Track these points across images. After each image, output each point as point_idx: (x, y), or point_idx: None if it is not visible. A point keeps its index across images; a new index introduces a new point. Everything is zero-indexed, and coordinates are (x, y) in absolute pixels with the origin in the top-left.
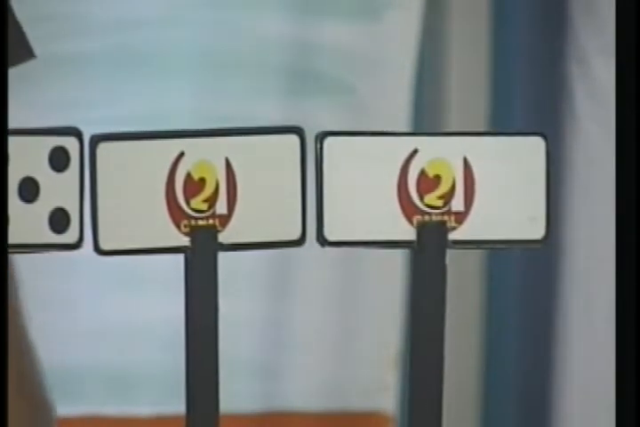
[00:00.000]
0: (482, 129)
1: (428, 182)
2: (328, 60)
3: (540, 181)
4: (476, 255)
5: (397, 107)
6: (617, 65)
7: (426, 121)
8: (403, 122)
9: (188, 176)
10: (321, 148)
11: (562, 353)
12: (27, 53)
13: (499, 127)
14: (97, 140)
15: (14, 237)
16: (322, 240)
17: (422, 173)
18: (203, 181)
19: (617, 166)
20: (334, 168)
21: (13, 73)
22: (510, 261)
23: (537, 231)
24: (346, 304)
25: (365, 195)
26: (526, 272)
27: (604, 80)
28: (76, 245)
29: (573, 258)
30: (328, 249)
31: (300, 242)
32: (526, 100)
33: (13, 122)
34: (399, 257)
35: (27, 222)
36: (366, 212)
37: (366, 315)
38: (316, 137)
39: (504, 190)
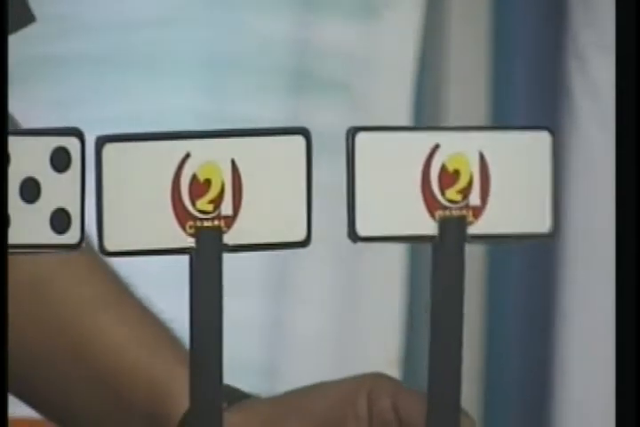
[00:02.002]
0: None
1: (448, 177)
2: (328, 60)
3: (546, 175)
4: (476, 253)
5: (398, 106)
6: (617, 61)
7: (426, 120)
8: (403, 121)
9: (194, 177)
10: (353, 143)
11: (561, 353)
12: (28, 17)
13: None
14: (103, 141)
15: (15, 237)
16: (354, 236)
17: (443, 168)
18: (208, 182)
19: (616, 163)
20: (364, 164)
21: (14, 73)
22: (510, 260)
23: (545, 226)
24: (346, 304)
25: (393, 190)
26: (526, 271)
27: (603, 76)
28: (77, 246)
29: (573, 256)
30: (329, 249)
31: (305, 243)
32: (526, 98)
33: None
34: (399, 257)
35: (28, 223)
36: (394, 207)
37: (366, 315)
38: (348, 132)
39: (515, 184)
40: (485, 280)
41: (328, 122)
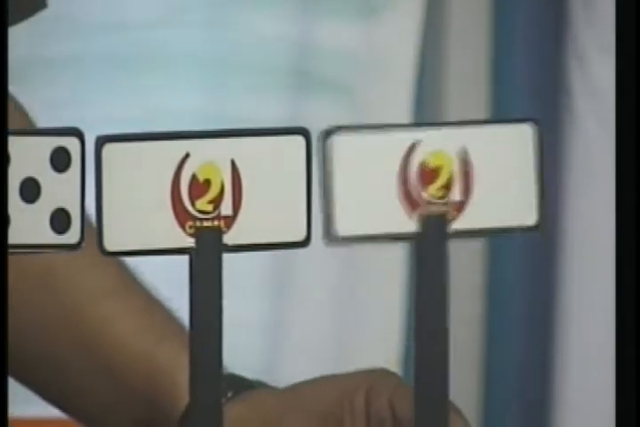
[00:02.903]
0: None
1: (428, 174)
2: (328, 60)
3: (530, 167)
4: (475, 248)
5: (397, 106)
6: (617, 61)
7: (426, 121)
8: (403, 121)
9: (194, 177)
10: (325, 144)
11: (561, 353)
12: (39, 3)
13: None
14: (102, 141)
15: (15, 237)
16: (331, 237)
17: (423, 165)
18: (208, 182)
19: (616, 161)
20: (340, 164)
21: (14, 73)
22: (510, 259)
23: (531, 218)
24: (346, 305)
25: (372, 189)
26: (525, 270)
27: (602, 75)
28: (76, 246)
29: (572, 254)
30: (329, 249)
31: (304, 243)
32: (526, 97)
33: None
34: (399, 257)
35: (28, 223)
36: (372, 206)
37: (366, 315)
38: (320, 134)
39: (498, 177)
40: (485, 280)
41: (328, 122)
